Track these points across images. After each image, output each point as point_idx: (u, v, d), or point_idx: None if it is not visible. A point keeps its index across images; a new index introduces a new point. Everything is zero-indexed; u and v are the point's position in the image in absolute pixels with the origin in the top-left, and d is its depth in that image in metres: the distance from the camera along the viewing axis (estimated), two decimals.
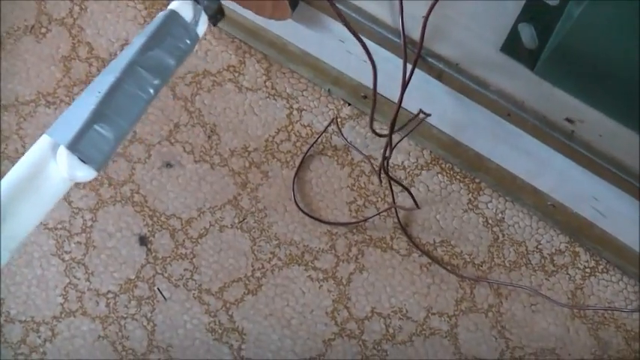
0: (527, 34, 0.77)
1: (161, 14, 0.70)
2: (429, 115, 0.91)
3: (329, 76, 1.02)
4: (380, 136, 0.91)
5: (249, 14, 0.92)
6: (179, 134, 1.06)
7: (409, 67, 0.77)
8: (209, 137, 1.05)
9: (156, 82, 0.68)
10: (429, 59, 0.77)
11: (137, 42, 0.68)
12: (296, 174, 1.05)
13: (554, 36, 0.72)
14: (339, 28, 0.82)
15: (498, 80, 0.76)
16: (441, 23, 0.77)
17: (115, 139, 0.66)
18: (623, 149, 0.75)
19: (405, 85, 0.77)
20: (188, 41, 0.71)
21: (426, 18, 0.73)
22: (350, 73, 0.99)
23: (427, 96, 0.86)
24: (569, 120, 0.76)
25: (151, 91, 0.68)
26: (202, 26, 0.73)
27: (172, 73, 0.71)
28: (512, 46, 0.77)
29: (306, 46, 0.98)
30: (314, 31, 0.88)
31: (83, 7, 1.09)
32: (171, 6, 0.71)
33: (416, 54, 0.75)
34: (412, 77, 0.77)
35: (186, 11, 0.71)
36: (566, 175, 0.88)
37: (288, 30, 0.98)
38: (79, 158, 0.63)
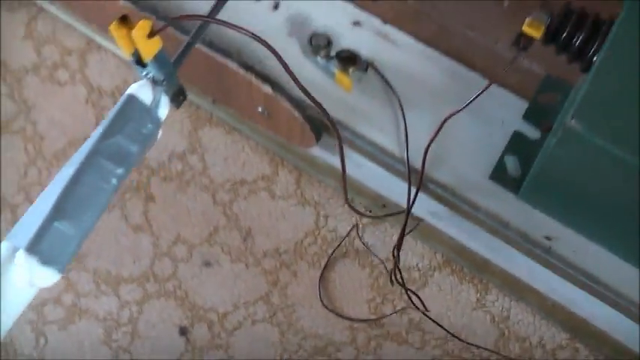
0: (512, 165, 0.96)
1: (120, 99, 0.72)
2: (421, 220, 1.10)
3: (352, 186, 1.23)
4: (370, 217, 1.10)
5: None
6: (218, 236, 1.26)
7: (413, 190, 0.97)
8: (244, 240, 1.26)
9: (119, 170, 0.69)
10: (430, 185, 0.97)
11: (97, 131, 0.69)
12: (321, 274, 1.24)
13: (534, 166, 0.91)
14: (355, 156, 1.03)
15: (487, 203, 0.95)
16: (440, 153, 0.96)
17: (78, 235, 0.66)
18: (595, 263, 0.93)
19: (409, 210, 0.96)
20: (150, 125, 0.72)
21: (426, 150, 0.93)
22: (370, 184, 1.20)
23: (432, 209, 1.06)
24: (547, 237, 0.94)
25: (114, 180, 0.68)
26: (164, 109, 0.75)
27: (137, 159, 0.71)
28: (499, 175, 0.96)
29: (332, 162, 1.19)
30: (334, 156, 1.09)
31: None
32: (130, 90, 0.72)
33: (417, 182, 0.95)
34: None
35: (146, 94, 0.72)
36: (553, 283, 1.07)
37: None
38: (41, 261, 0.62)
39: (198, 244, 1.26)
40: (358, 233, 1.23)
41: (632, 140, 0.76)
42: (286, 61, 0.96)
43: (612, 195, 0.84)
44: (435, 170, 0.96)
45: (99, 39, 1.34)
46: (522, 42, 0.87)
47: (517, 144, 0.97)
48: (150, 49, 0.71)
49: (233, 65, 0.96)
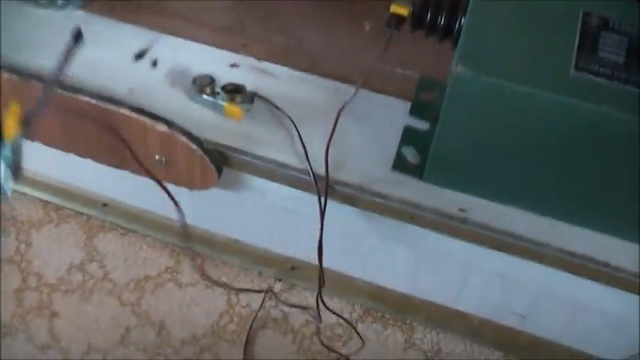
0: (410, 154, 1.01)
1: None
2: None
3: (258, 258, 1.23)
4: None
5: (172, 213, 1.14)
6: (130, 336, 1.20)
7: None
8: (159, 333, 1.20)
9: None
10: (337, 187, 0.99)
11: None
12: (245, 350, 1.19)
13: (434, 142, 0.95)
14: (258, 182, 1.05)
15: (397, 192, 0.99)
16: (339, 159, 0.99)
17: None
18: (513, 222, 0.97)
19: (322, 213, 0.98)
20: None
21: (327, 147, 0.97)
22: (275, 248, 1.20)
23: (346, 234, 1.08)
24: (461, 210, 0.98)
25: None
26: (9, 186, 0.80)
27: None
28: (400, 164, 1.00)
29: (231, 232, 1.19)
30: (236, 193, 1.10)
31: (28, 243, 1.28)
32: None
33: (325, 187, 0.98)
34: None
35: None
36: (482, 286, 1.09)
37: (215, 221, 1.20)
38: None
39: (112, 348, 1.20)
40: (275, 300, 1.22)
41: (518, 71, 0.84)
42: (174, 109, 1.01)
43: (516, 144, 0.90)
44: (339, 173, 0.99)
45: None
46: (393, 23, 0.96)
47: (410, 136, 1.03)
48: (12, 130, 0.78)
49: (125, 111, 0.99)
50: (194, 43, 1.10)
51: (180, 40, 1.10)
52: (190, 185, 1.06)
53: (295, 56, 1.09)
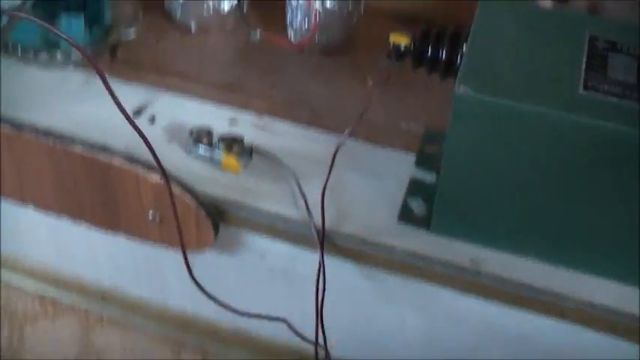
0: (417, 205, 0.96)
1: None
2: None
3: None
4: None
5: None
6: None
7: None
8: None
9: None
10: (337, 242, 0.94)
11: None
12: None
13: (440, 185, 0.91)
14: (257, 241, 1.00)
15: (403, 244, 0.93)
16: (342, 211, 0.94)
17: None
18: (527, 274, 0.90)
19: (321, 269, 0.92)
20: None
21: (322, 196, 0.92)
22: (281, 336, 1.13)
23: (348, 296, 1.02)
24: (473, 260, 0.91)
25: None
26: None
27: None
28: (406, 216, 0.95)
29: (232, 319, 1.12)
30: (234, 257, 1.04)
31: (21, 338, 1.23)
32: None
33: (321, 236, 0.93)
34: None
35: None
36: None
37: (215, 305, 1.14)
38: None
39: None
40: None
41: (526, 90, 0.81)
42: (171, 163, 0.97)
43: (528, 174, 0.84)
44: (341, 226, 0.94)
45: None
46: (393, 55, 0.93)
47: (416, 187, 0.98)
48: None
49: (118, 160, 0.95)
50: (194, 100, 1.07)
51: (179, 98, 1.08)
52: (187, 245, 1.01)
53: (296, 110, 1.06)
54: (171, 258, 0.99)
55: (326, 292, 0.94)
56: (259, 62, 1.14)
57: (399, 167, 1.00)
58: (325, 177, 0.96)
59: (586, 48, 0.86)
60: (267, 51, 1.15)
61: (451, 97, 0.82)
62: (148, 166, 0.95)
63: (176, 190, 0.95)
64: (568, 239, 0.89)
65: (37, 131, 0.98)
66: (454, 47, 0.91)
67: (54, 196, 1.04)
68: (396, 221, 0.95)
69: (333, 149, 1.01)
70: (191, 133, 1.00)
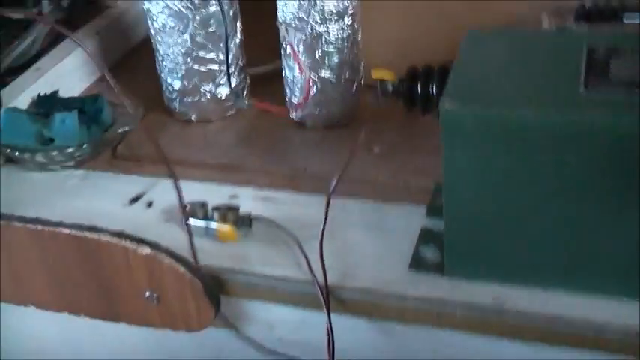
0: (429, 252, 0.88)
1: None
2: None
3: None
4: None
5: None
6: None
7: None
8: None
9: None
10: (345, 297, 0.86)
11: None
12: None
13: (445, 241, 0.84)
14: (261, 311, 0.92)
15: (415, 291, 0.84)
16: (349, 269, 0.87)
17: None
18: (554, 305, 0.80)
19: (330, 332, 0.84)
20: None
21: (321, 252, 0.86)
22: None
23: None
24: (495, 298, 0.82)
25: None
26: None
27: None
28: (418, 263, 0.87)
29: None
30: (238, 333, 0.96)
31: None
32: None
33: (325, 295, 0.84)
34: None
35: None
36: None
37: None
38: None
39: None
40: None
41: (519, 97, 0.75)
42: (167, 241, 0.92)
43: (535, 189, 0.76)
44: (348, 281, 0.86)
45: None
46: (380, 92, 0.88)
47: (428, 236, 0.90)
48: None
49: (106, 237, 0.90)
50: (194, 183, 1.03)
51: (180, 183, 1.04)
52: (187, 324, 0.94)
53: (299, 183, 1.01)
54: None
55: (343, 352, 0.86)
56: (261, 142, 1.11)
57: (410, 221, 0.93)
58: (328, 240, 0.89)
59: (584, 57, 0.79)
60: (268, 131, 1.12)
61: (439, 119, 0.76)
62: (136, 240, 0.91)
63: (166, 261, 0.89)
64: (592, 261, 0.79)
65: (25, 220, 0.95)
66: (444, 81, 0.86)
67: (51, 295, 0.99)
68: (407, 270, 0.86)
69: (336, 213, 0.95)
70: (185, 207, 0.95)
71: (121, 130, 1.11)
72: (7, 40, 1.30)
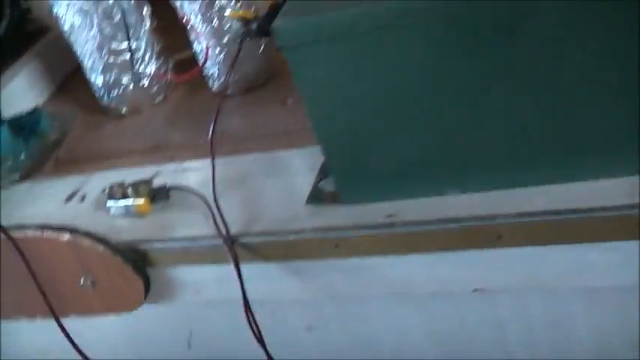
0: (327, 184, 0.88)
1: None
2: None
3: None
4: None
5: None
6: None
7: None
8: None
9: None
10: (249, 243, 0.87)
11: None
12: None
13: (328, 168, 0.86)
14: (186, 275, 0.94)
15: (311, 224, 0.85)
16: (256, 211, 0.90)
17: None
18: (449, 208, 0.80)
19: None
20: None
21: (216, 204, 0.88)
22: None
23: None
24: (390, 215, 0.81)
25: None
26: None
27: None
28: (316, 197, 0.88)
29: None
30: (171, 303, 0.98)
31: None
32: None
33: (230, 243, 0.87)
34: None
35: None
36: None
37: None
38: None
39: None
40: None
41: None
42: (94, 227, 0.96)
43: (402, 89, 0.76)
44: (252, 227, 0.88)
45: None
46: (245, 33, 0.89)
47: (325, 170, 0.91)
48: None
49: (31, 232, 0.95)
50: (123, 171, 1.06)
51: (111, 173, 1.07)
52: (123, 305, 0.97)
53: (218, 147, 1.03)
54: None
55: (261, 304, 0.89)
56: (186, 120, 1.14)
57: (315, 161, 0.93)
58: (240, 192, 0.92)
59: None
60: (193, 108, 1.16)
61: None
62: (56, 229, 0.94)
63: (87, 243, 0.93)
64: (470, 154, 0.78)
65: None
66: None
67: (5, 302, 1.04)
68: (305, 206, 0.88)
69: (248, 168, 0.97)
70: (104, 191, 0.99)
71: (55, 137, 1.16)
72: None
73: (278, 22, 0.76)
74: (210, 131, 0.92)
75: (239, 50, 0.92)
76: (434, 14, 0.70)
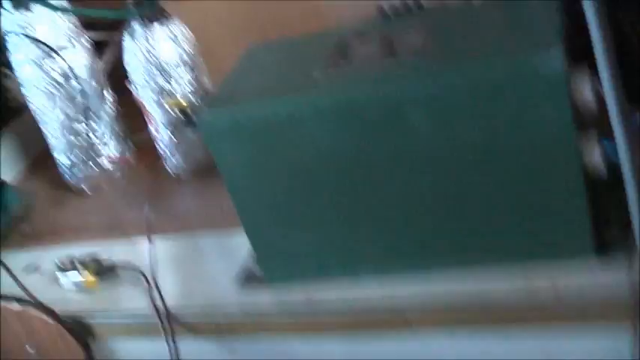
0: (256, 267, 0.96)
1: None
2: None
3: None
4: None
5: None
6: None
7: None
8: None
9: None
10: (183, 320, 0.95)
11: None
12: None
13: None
14: (131, 347, 1.01)
15: (240, 303, 0.93)
16: (191, 287, 0.99)
17: None
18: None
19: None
20: None
21: (155, 283, 0.96)
22: None
23: None
24: (308, 299, 0.88)
25: None
26: None
27: None
28: (245, 277, 0.95)
29: None
30: None
31: None
32: None
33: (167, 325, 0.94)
34: None
35: None
36: None
37: None
38: None
39: None
40: None
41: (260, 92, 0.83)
42: (45, 297, 1.03)
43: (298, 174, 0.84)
44: (187, 305, 0.96)
45: None
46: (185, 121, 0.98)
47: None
48: None
49: None
50: (79, 247, 1.14)
51: (67, 247, 1.15)
52: None
53: (167, 225, 1.11)
54: None
55: None
56: (142, 200, 1.20)
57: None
58: (182, 268, 1.02)
59: (332, 47, 0.87)
60: (151, 189, 1.23)
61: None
62: (6, 298, 1.02)
63: (36, 314, 1.00)
64: (374, 242, 0.86)
65: None
66: None
67: None
68: (236, 286, 0.95)
69: (192, 246, 1.06)
70: (56, 265, 1.07)
71: (20, 210, 1.25)
72: None
73: (203, 114, 0.85)
74: (146, 210, 1.02)
75: (178, 136, 1.02)
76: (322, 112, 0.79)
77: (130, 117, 1.30)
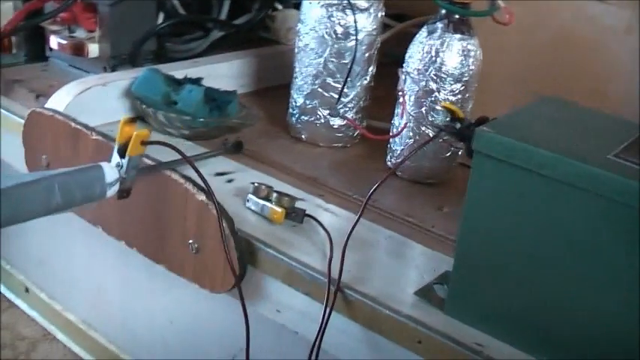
0: (440, 289, 0.93)
1: (90, 164, 0.91)
2: None
3: None
4: None
5: None
6: None
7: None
8: None
9: (59, 199, 0.85)
10: (350, 297, 0.92)
11: (61, 170, 0.88)
12: None
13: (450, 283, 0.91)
14: (278, 292, 0.99)
15: (410, 311, 0.89)
16: (368, 274, 0.96)
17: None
18: None
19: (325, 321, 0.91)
20: (97, 192, 0.90)
21: (343, 251, 0.96)
22: None
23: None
24: (478, 344, 0.84)
25: (53, 202, 0.85)
26: (111, 192, 0.91)
27: (74, 204, 0.88)
28: (424, 293, 0.93)
29: None
30: (252, 307, 1.03)
31: None
32: (102, 163, 0.91)
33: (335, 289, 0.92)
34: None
35: (110, 174, 0.90)
36: None
37: None
38: None
39: None
40: None
41: (549, 141, 0.81)
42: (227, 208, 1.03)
43: (548, 245, 0.81)
44: (358, 285, 0.93)
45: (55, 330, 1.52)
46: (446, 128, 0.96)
47: (445, 279, 0.95)
48: (135, 150, 0.91)
49: (175, 175, 1.03)
50: (279, 182, 1.16)
51: (263, 176, 1.17)
52: (212, 284, 1.03)
53: (364, 211, 1.08)
54: None
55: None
56: (348, 173, 1.23)
57: (437, 264, 1.00)
58: (363, 252, 1.00)
59: (633, 138, 0.86)
60: (361, 169, 1.24)
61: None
62: (197, 185, 1.02)
63: (215, 213, 1.00)
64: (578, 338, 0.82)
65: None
66: None
67: (116, 219, 1.13)
68: (412, 294, 0.93)
69: (381, 239, 1.04)
70: (252, 184, 1.07)
71: (235, 122, 1.27)
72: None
73: (484, 129, 0.83)
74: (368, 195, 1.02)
75: (431, 138, 1.02)
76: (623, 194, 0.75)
77: (375, 102, 1.32)
